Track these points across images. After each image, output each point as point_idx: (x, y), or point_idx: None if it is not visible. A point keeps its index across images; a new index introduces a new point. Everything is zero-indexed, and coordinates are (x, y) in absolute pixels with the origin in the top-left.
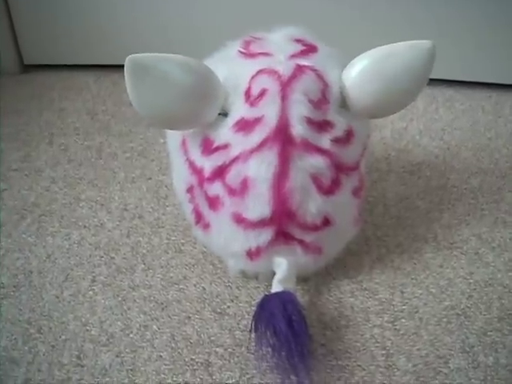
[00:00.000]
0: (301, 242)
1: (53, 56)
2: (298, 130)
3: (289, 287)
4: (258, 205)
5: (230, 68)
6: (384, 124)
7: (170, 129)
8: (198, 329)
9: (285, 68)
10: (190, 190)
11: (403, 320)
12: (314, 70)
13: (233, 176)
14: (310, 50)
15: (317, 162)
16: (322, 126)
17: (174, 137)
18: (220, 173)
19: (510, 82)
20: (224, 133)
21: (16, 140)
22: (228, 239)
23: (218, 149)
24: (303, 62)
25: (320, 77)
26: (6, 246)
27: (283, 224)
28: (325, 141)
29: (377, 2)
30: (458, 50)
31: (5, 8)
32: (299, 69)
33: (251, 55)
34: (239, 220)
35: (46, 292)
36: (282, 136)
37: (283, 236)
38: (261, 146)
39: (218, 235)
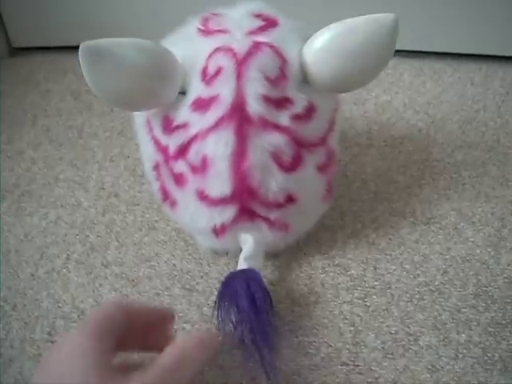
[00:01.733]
0: (265, 219)
1: (41, 38)
2: (255, 108)
3: (255, 264)
4: (219, 183)
5: (188, 47)
6: (367, 97)
7: (132, 110)
8: (167, 305)
9: (241, 45)
10: (155, 167)
11: (374, 296)
12: (271, 47)
13: (193, 154)
14: (269, 25)
15: (275, 139)
16: (280, 102)
17: (139, 116)
18: (182, 151)
19: (500, 53)
20: (182, 112)
21: (0, 123)
22: (194, 216)
23: (177, 128)
24: (261, 38)
25: (278, 53)
26: None
27: (245, 201)
28: (283, 118)
29: None
30: (447, 22)
31: None
32: (255, 46)
33: (209, 33)
34: (202, 197)
35: (21, 270)
36: (238, 114)
37: (247, 213)
38: (217, 124)
39: (184, 212)
